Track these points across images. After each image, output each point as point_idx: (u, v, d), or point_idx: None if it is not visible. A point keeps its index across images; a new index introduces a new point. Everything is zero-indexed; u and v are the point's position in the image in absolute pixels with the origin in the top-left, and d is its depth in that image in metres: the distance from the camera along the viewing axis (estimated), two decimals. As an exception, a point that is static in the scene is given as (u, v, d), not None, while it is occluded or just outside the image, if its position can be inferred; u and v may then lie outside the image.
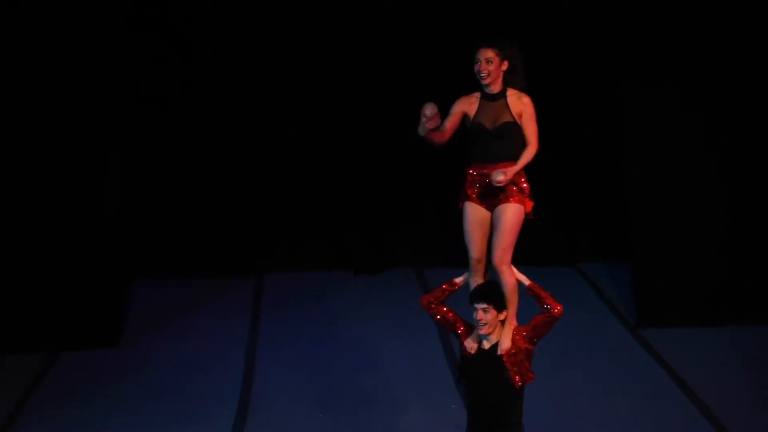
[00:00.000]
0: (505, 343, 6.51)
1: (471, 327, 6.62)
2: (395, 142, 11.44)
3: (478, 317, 6.48)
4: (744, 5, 10.47)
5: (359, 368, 9.69)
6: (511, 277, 6.64)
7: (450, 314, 6.74)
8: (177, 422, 8.85)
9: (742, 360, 9.81)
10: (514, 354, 6.50)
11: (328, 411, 8.93)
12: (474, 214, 6.77)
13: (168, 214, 11.78)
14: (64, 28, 10.24)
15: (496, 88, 6.76)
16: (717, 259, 10.59)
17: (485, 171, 6.72)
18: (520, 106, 6.74)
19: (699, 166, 10.59)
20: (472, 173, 6.79)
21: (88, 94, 10.34)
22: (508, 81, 6.79)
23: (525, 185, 6.76)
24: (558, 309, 6.50)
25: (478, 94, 6.82)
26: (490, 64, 6.71)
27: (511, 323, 6.59)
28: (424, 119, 6.56)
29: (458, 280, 6.82)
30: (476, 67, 6.73)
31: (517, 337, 6.54)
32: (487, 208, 6.77)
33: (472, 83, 6.86)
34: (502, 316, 6.53)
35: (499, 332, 6.54)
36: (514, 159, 6.69)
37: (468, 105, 6.82)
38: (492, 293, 6.51)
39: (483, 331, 6.50)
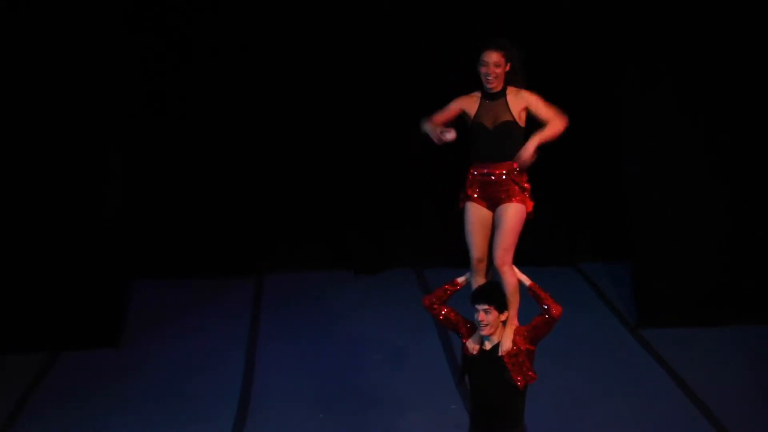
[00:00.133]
0: (506, 344, 6.52)
1: (473, 327, 6.63)
2: (395, 143, 11.45)
3: (480, 318, 6.48)
4: (744, 5, 10.46)
5: (359, 368, 9.68)
6: (513, 277, 6.64)
7: (452, 315, 6.75)
8: (177, 422, 8.85)
9: (742, 360, 9.80)
10: (515, 354, 6.50)
11: (328, 411, 8.93)
12: (475, 214, 6.77)
13: (168, 214, 11.77)
14: (64, 28, 10.22)
15: (497, 87, 6.76)
16: (717, 259, 10.58)
17: (486, 170, 6.72)
18: (522, 101, 6.74)
19: (699, 166, 10.58)
20: (473, 173, 6.79)
21: (88, 94, 10.33)
22: (509, 80, 6.79)
23: (527, 185, 6.76)
24: (557, 310, 6.50)
25: (478, 94, 6.82)
26: (498, 68, 6.71)
27: (513, 323, 6.59)
28: (438, 134, 6.58)
29: (460, 280, 6.83)
30: (483, 70, 6.71)
31: (518, 337, 6.54)
32: (489, 208, 6.77)
33: (472, 83, 6.85)
34: (503, 317, 6.53)
35: (500, 333, 6.54)
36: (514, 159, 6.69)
37: (468, 104, 6.81)
38: (493, 294, 6.52)
39: (484, 332, 6.50)
